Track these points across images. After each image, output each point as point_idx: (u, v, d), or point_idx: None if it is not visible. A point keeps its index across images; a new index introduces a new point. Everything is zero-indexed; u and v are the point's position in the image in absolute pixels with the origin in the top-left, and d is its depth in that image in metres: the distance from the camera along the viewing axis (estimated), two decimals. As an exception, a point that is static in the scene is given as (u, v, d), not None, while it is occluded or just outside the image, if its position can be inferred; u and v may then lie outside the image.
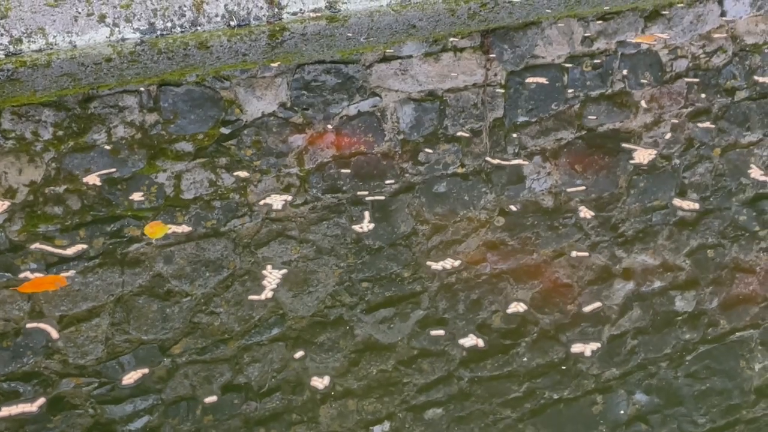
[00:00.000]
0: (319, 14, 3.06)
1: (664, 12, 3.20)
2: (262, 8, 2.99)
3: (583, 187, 1.93)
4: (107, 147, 2.13)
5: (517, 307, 1.50)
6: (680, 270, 1.63)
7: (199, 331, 1.44)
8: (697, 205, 1.85)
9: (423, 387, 1.32)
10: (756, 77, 2.57)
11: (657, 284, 1.59)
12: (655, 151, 2.08)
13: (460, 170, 2.00)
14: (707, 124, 2.24)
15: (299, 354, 1.38)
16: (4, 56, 2.69)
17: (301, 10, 3.04)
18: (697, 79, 2.56)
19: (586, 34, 2.97)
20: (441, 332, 1.44)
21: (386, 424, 1.28)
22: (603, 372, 1.36)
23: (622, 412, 1.28)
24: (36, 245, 1.70)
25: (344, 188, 1.92)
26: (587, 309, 1.50)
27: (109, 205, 1.87)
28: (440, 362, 1.37)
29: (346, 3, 3.10)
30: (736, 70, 2.63)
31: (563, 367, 1.36)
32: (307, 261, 1.65)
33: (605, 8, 3.22)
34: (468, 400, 1.29)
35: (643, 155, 2.06)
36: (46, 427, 1.19)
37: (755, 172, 1.98)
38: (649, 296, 1.56)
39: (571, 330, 1.45)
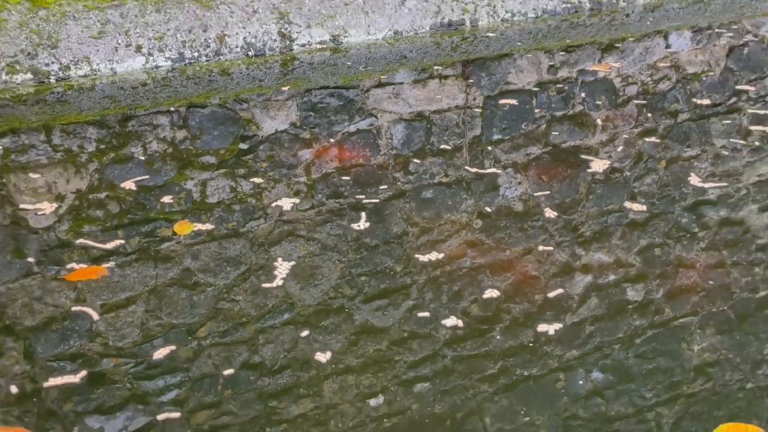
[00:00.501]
0: (324, 46, 3.08)
1: (617, 45, 3.23)
2: (275, 41, 3.01)
3: (548, 193, 1.94)
4: (143, 159, 2.13)
5: (491, 293, 1.51)
6: (631, 266, 1.64)
7: (221, 316, 1.45)
8: (645, 207, 1.86)
9: (412, 364, 1.32)
10: (695, 101, 2.57)
11: (611, 277, 1.60)
12: (609, 163, 2.10)
13: (444, 179, 2.01)
14: (654, 140, 2.25)
15: (305, 334, 1.39)
16: (54, 81, 2.71)
17: (309, 42, 3.05)
18: (645, 102, 2.57)
19: (552, 64, 2.99)
20: (427, 314, 1.45)
21: (380, 398, 1.28)
22: (565, 353, 1.37)
23: (581, 383, 1.28)
24: (80, 241, 1.70)
25: (345, 194, 1.93)
26: (552, 295, 1.51)
27: (144, 208, 1.87)
28: (427, 343, 1.37)
29: (347, 36, 3.11)
30: (678, 94, 2.64)
31: (531, 347, 1.37)
32: (313, 257, 1.65)
33: (568, 42, 3.24)
34: (451, 376, 1.30)
35: (599, 166, 2.07)
36: (89, 398, 1.20)
37: (694, 180, 1.99)
38: (605, 287, 1.56)
39: (538, 315, 1.46)
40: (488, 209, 1.87)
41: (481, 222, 1.82)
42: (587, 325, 1.44)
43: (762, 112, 2.45)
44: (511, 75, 2.84)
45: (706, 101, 2.56)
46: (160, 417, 1.19)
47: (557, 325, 1.43)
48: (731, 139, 2.26)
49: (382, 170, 2.07)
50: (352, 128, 2.35)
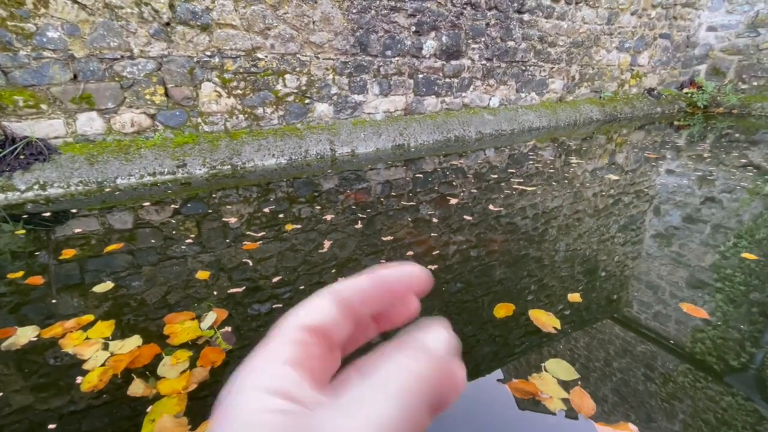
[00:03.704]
0: (349, 153, 3.06)
1: (464, 154, 3.23)
2: (329, 152, 3.00)
3: (436, 212, 1.95)
4: (274, 198, 2.14)
5: (412, 252, 1.52)
6: (471, 242, 1.66)
7: (306, 263, 1.45)
8: (472, 218, 1.87)
9: None
10: (494, 175, 2.60)
11: (464, 246, 1.61)
12: (458, 200, 2.12)
13: (397, 207, 2.02)
14: (479, 191, 2.28)
15: (334, 271, 1.40)
16: (239, 169, 2.68)
17: (342, 152, 3.05)
18: (475, 175, 2.60)
19: (439, 161, 2.98)
20: (385, 262, 1.45)
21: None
22: (445, 276, 1.37)
23: (453, 285, 1.28)
24: (249, 232, 1.70)
25: (355, 212, 1.94)
26: (437, 253, 1.52)
27: (275, 219, 1.86)
28: None
29: (357, 150, 3.11)
30: (489, 172, 2.67)
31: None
32: (344, 238, 1.66)
33: (444, 152, 3.24)
34: None
35: (455, 201, 2.09)
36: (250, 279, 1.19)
37: (491, 207, 2.01)
38: (461, 251, 1.59)
39: (431, 261, 1.48)
40: (414, 219, 1.87)
41: (412, 224, 1.80)
42: (454, 265, 1.47)
43: (519, 180, 2.50)
44: (425, 165, 2.85)
45: (497, 175, 2.60)
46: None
47: (437, 265, 1.44)
48: (506, 191, 2.29)
49: (372, 203, 2.07)
50: (360, 186, 2.35)
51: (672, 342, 1.01)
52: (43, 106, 2.30)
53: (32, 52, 2.21)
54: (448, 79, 3.71)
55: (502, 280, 1.33)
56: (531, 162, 2.89)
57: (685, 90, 5.60)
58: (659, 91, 5.48)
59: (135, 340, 0.98)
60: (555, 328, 1.06)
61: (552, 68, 4.40)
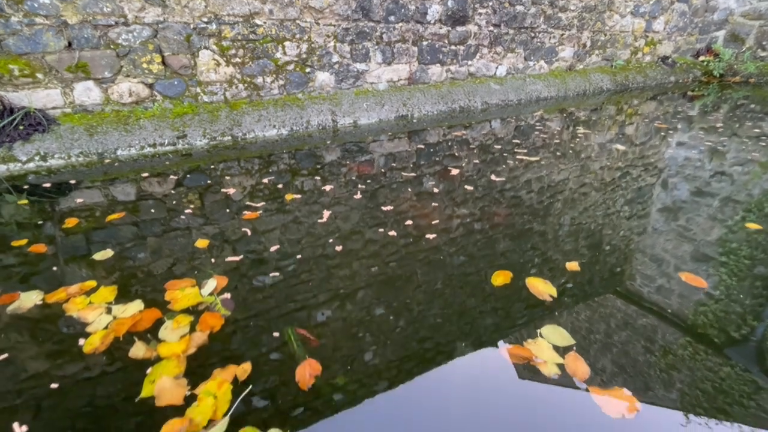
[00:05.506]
0: (351, 124, 3.00)
1: (470, 125, 3.16)
2: (331, 123, 2.94)
3: (438, 183, 1.92)
4: (274, 171, 2.11)
5: (410, 223, 1.51)
6: (475, 215, 1.64)
7: (310, 234, 1.45)
8: (472, 188, 1.85)
9: (388, 253, 1.33)
10: (498, 146, 2.55)
11: (468, 219, 1.60)
12: (460, 171, 2.09)
13: (400, 179, 2.00)
14: (483, 162, 2.24)
15: (332, 241, 1.39)
16: (240, 140, 2.64)
17: (344, 123, 2.99)
18: (480, 147, 2.54)
19: (444, 133, 2.92)
20: (382, 230, 1.45)
21: (375, 268, 1.27)
22: (441, 247, 1.36)
23: (456, 257, 1.28)
24: (249, 203, 1.68)
25: (358, 184, 1.92)
26: (436, 223, 1.51)
27: (274, 190, 1.85)
28: (392, 244, 1.38)
29: (360, 121, 3.05)
30: (495, 143, 2.62)
31: (425, 244, 1.37)
32: (347, 211, 1.65)
33: (448, 123, 3.17)
34: (400, 253, 1.31)
35: (457, 173, 2.06)
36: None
37: (492, 177, 1.97)
38: (465, 224, 1.57)
39: (429, 231, 1.46)
40: (417, 191, 1.84)
41: (415, 196, 1.78)
42: (457, 237, 1.45)
43: (523, 151, 2.45)
44: (428, 137, 2.79)
45: (502, 147, 2.55)
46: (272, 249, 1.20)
47: (437, 237, 1.43)
48: (509, 161, 2.25)
49: (375, 176, 2.04)
50: (362, 158, 2.31)
51: (674, 314, 1.01)
52: (39, 75, 2.24)
53: (24, 18, 2.13)
54: (453, 47, 3.56)
55: (504, 253, 1.32)
56: (537, 133, 2.82)
57: (702, 58, 5.36)
58: (674, 59, 5.25)
59: (137, 305, 0.99)
60: (551, 296, 1.06)
61: (562, 35, 4.20)
